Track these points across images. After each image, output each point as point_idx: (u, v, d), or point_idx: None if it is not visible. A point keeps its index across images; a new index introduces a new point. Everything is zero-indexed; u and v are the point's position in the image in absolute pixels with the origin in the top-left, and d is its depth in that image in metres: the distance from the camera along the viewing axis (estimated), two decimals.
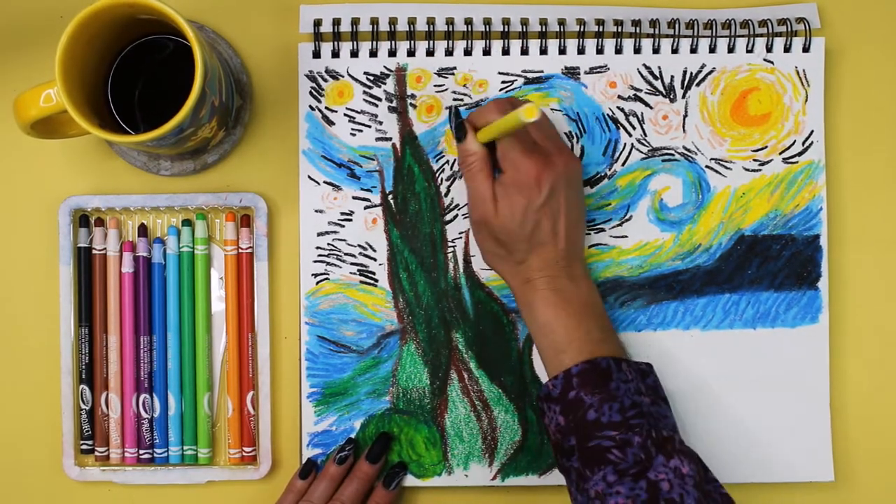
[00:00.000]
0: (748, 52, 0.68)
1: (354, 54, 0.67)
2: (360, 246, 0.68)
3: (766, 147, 0.68)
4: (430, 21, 0.67)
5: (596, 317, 0.62)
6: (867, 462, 0.69)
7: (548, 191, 0.60)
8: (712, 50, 0.68)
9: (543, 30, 0.67)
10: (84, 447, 0.67)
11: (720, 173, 0.68)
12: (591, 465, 0.57)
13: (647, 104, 0.68)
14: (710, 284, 0.68)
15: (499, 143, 0.61)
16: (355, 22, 0.67)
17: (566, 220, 0.62)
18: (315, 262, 0.68)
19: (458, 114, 0.63)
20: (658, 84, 0.68)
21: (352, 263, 0.68)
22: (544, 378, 0.67)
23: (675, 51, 0.68)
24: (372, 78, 0.68)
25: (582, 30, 0.67)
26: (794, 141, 0.68)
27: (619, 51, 0.68)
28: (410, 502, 0.68)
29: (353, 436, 0.67)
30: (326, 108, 0.68)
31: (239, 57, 0.68)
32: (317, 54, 0.68)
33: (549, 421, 0.60)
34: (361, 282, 0.68)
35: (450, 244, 0.68)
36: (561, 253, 0.62)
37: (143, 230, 0.68)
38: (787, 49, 0.68)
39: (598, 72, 0.68)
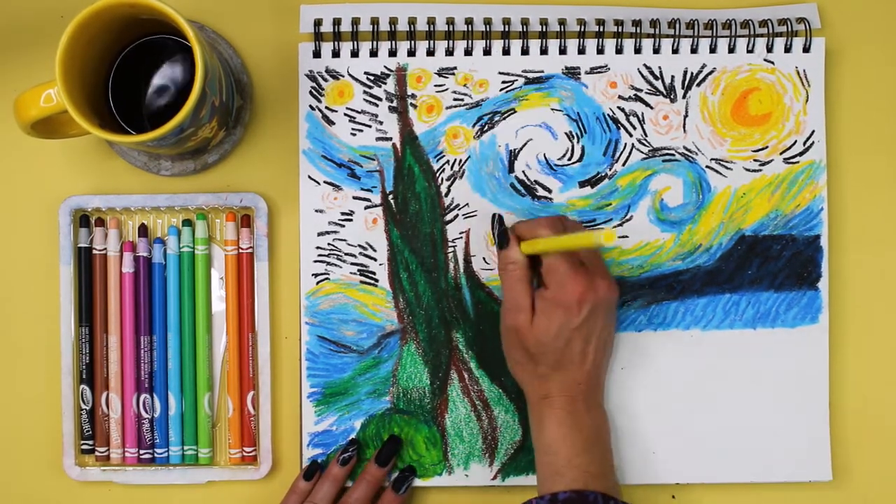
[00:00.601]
0: (749, 52, 0.68)
1: (355, 54, 0.67)
2: (360, 246, 0.68)
3: (766, 147, 0.68)
4: (431, 21, 0.67)
5: (601, 450, 0.62)
6: (865, 462, 0.69)
7: (587, 313, 0.60)
8: (713, 50, 0.68)
9: (544, 30, 0.67)
10: (84, 447, 0.67)
11: (721, 173, 0.68)
12: None
13: (647, 104, 0.68)
14: (711, 284, 0.68)
15: (546, 257, 0.61)
16: (356, 22, 0.67)
17: (597, 345, 0.62)
18: (315, 261, 0.68)
19: (501, 221, 0.64)
20: (658, 84, 0.68)
21: (352, 263, 0.68)
22: None
23: (675, 51, 0.68)
24: (372, 78, 0.68)
25: (582, 30, 0.67)
26: (795, 141, 0.68)
27: (619, 51, 0.68)
28: (411, 502, 0.68)
29: (354, 436, 0.67)
30: (327, 107, 0.68)
31: (239, 57, 0.68)
32: (317, 54, 0.67)
33: None
34: (362, 282, 0.68)
35: (450, 244, 0.68)
36: (585, 376, 0.62)
37: (143, 230, 0.68)
38: (787, 49, 0.68)
39: (599, 72, 0.68)
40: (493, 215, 0.65)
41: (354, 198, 0.68)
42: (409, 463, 0.67)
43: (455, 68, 0.68)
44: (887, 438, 0.69)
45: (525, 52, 0.68)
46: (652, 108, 0.68)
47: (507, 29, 0.68)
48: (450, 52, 0.68)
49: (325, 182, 0.68)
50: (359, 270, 0.68)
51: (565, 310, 0.60)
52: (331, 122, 0.68)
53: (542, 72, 0.68)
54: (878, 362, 0.69)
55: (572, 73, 0.68)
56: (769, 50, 0.68)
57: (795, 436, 0.68)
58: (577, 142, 0.68)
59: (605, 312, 0.62)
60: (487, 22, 0.67)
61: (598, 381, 0.64)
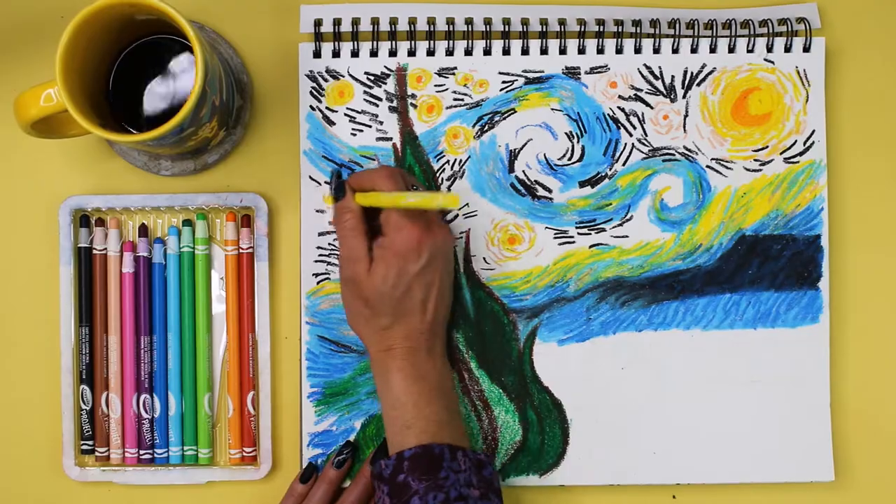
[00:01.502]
0: (749, 51, 0.68)
1: (355, 54, 0.67)
2: None
3: (766, 147, 0.68)
4: (431, 21, 0.67)
5: (446, 398, 0.62)
6: (867, 462, 0.69)
7: (426, 260, 0.61)
8: (713, 50, 0.68)
9: (544, 30, 0.67)
10: (84, 447, 0.67)
11: (721, 173, 0.68)
12: None
13: (647, 104, 0.68)
14: (711, 284, 0.68)
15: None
16: (356, 22, 0.67)
17: (438, 294, 0.62)
18: (316, 261, 0.68)
19: (339, 175, 0.64)
20: (659, 84, 0.68)
21: None
22: (544, 377, 0.68)
23: (675, 51, 0.68)
24: (372, 78, 0.68)
25: (582, 30, 0.67)
26: (795, 141, 0.68)
27: (619, 51, 0.68)
28: None
29: (351, 438, 0.67)
30: (327, 107, 0.68)
31: (239, 57, 0.68)
32: (317, 54, 0.68)
33: (377, 500, 0.60)
34: None
35: None
36: (426, 325, 0.62)
37: (143, 230, 0.68)
38: (787, 49, 0.68)
39: (599, 72, 0.68)
40: (332, 171, 0.65)
41: None
42: None
43: (455, 68, 0.68)
44: (889, 438, 0.69)
45: (525, 52, 0.68)
46: (652, 107, 0.68)
47: (507, 29, 0.68)
48: (450, 52, 0.68)
49: (325, 182, 0.68)
50: None
51: (403, 256, 0.60)
52: (331, 123, 0.68)
53: (543, 72, 0.68)
54: (879, 362, 0.69)
55: (572, 73, 0.68)
56: (769, 50, 0.68)
57: (796, 436, 0.68)
58: (578, 142, 0.68)
59: (444, 260, 0.62)
60: (487, 22, 0.67)
61: (440, 330, 0.64)
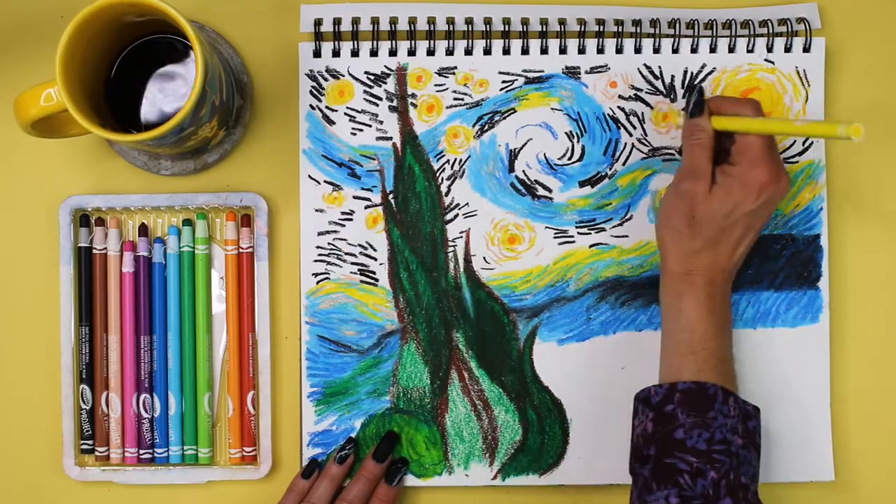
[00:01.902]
0: (749, 52, 0.68)
1: (355, 54, 0.67)
2: (360, 245, 0.68)
3: None
4: (431, 20, 0.67)
5: (729, 338, 0.63)
6: (867, 462, 0.69)
7: (763, 202, 0.60)
8: (713, 50, 0.68)
9: (544, 29, 0.67)
10: (84, 447, 0.67)
11: None
12: (659, 481, 0.57)
13: (647, 104, 0.68)
14: None
15: (741, 135, 0.61)
16: (356, 21, 0.67)
17: (752, 238, 0.62)
18: (315, 261, 0.68)
19: (701, 91, 0.63)
20: (659, 84, 0.68)
21: (352, 263, 0.68)
22: (544, 377, 0.68)
23: (675, 51, 0.68)
24: (372, 77, 0.68)
25: (582, 29, 0.67)
26: (795, 141, 0.68)
27: (619, 50, 0.68)
28: (411, 502, 0.68)
29: (353, 435, 0.67)
30: (327, 107, 0.68)
31: (239, 56, 0.68)
32: (317, 54, 0.68)
33: (638, 424, 0.60)
34: (362, 281, 0.68)
35: (450, 244, 0.68)
36: (732, 264, 0.62)
37: (143, 230, 0.68)
38: (787, 49, 0.68)
39: (599, 71, 0.68)
40: (695, 86, 0.64)
41: (355, 197, 0.68)
42: (410, 463, 0.67)
43: (455, 68, 0.68)
44: (889, 438, 0.69)
45: (525, 51, 0.68)
46: (652, 107, 0.68)
47: (507, 29, 0.68)
48: (450, 52, 0.68)
49: (325, 181, 0.68)
50: (359, 270, 0.68)
51: (746, 191, 0.60)
52: (331, 122, 0.68)
53: (543, 71, 0.68)
54: (879, 361, 0.69)
55: (572, 72, 0.68)
56: (769, 50, 0.68)
57: (797, 435, 0.68)
58: (578, 141, 0.68)
59: (772, 209, 0.62)
60: (487, 22, 0.67)
61: (735, 273, 0.64)
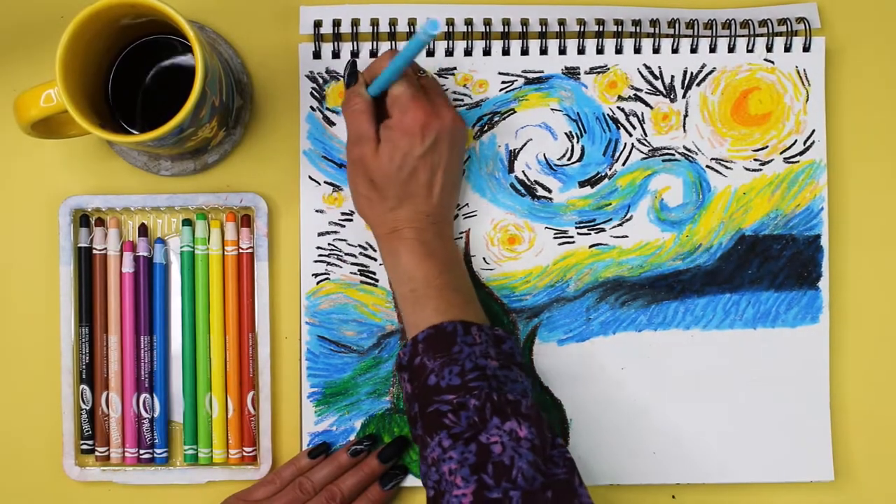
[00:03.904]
0: (748, 51, 0.68)
1: (355, 55, 0.67)
2: (360, 246, 0.68)
3: (766, 147, 0.68)
4: None
5: (457, 273, 0.63)
6: (867, 462, 0.69)
7: (431, 141, 0.61)
8: (713, 50, 0.68)
9: (543, 30, 0.67)
10: (84, 447, 0.67)
11: (721, 173, 0.68)
12: (430, 431, 0.57)
13: (647, 104, 0.68)
14: (711, 284, 0.68)
15: (390, 88, 0.61)
16: (356, 23, 0.67)
17: (443, 177, 0.62)
18: (315, 261, 0.68)
19: (354, 63, 0.64)
20: (658, 84, 0.68)
21: (352, 263, 0.68)
22: (544, 377, 0.68)
23: (675, 51, 0.68)
24: None
25: (582, 30, 0.67)
26: (795, 140, 0.68)
27: (619, 51, 0.68)
28: (411, 502, 0.68)
29: (366, 431, 0.67)
30: (327, 108, 0.68)
31: (239, 57, 0.68)
32: (317, 55, 0.68)
33: (402, 390, 0.61)
34: (362, 282, 0.68)
35: None
36: (432, 209, 0.62)
37: (143, 230, 0.68)
38: (787, 49, 0.68)
39: (599, 72, 0.68)
40: (348, 61, 0.65)
41: None
42: (410, 463, 0.67)
43: (455, 68, 0.68)
44: (889, 438, 0.69)
45: (525, 52, 0.68)
46: (652, 107, 0.68)
47: (506, 29, 0.68)
48: (449, 53, 0.68)
49: (325, 182, 0.68)
50: (359, 270, 0.68)
51: (409, 137, 0.60)
52: (331, 123, 0.68)
53: (542, 72, 0.68)
54: (879, 362, 0.69)
55: (572, 73, 0.68)
56: (769, 49, 0.68)
57: (796, 436, 0.68)
58: (577, 142, 0.68)
59: (451, 143, 0.62)
60: (487, 22, 0.67)
61: (448, 214, 0.64)
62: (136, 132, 0.64)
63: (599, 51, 0.68)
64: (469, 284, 0.64)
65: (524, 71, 0.68)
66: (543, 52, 0.68)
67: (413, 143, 0.61)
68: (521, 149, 0.68)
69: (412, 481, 0.67)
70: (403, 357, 0.60)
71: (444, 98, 0.63)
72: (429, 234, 0.62)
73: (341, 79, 0.67)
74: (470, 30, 0.67)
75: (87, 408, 0.67)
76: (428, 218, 0.62)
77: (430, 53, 0.67)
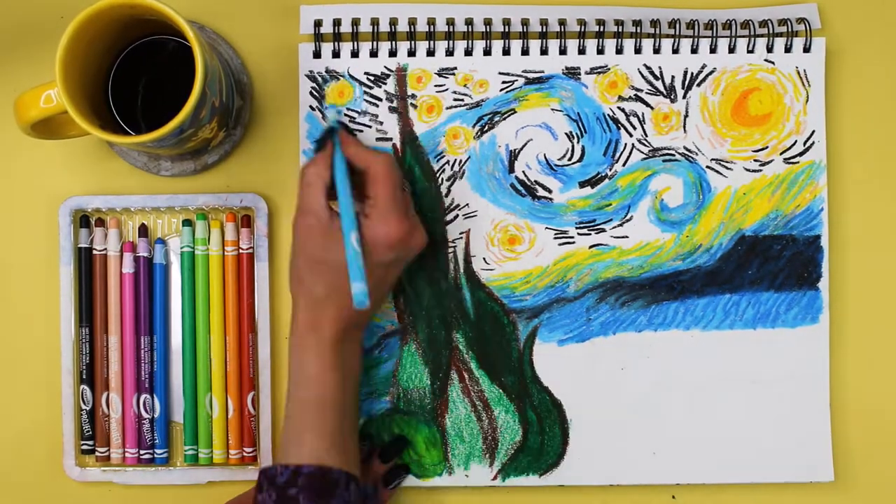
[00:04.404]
0: (749, 52, 0.68)
1: (355, 54, 0.67)
2: None
3: (766, 147, 0.68)
4: (431, 21, 0.67)
5: (355, 391, 0.62)
6: (867, 462, 0.69)
7: (392, 258, 0.60)
8: (713, 50, 0.68)
9: (544, 30, 0.67)
10: (85, 447, 0.67)
11: (721, 173, 0.68)
12: None
13: (647, 104, 0.68)
14: (711, 285, 0.68)
15: (375, 187, 0.59)
16: (356, 22, 0.67)
17: (384, 290, 0.62)
18: None
19: (331, 130, 0.63)
20: (659, 84, 0.68)
21: None
22: (544, 378, 0.68)
23: (675, 51, 0.68)
24: (372, 78, 0.68)
25: (583, 30, 0.67)
26: (795, 141, 0.68)
27: (619, 51, 0.68)
28: (411, 502, 0.68)
29: (366, 431, 0.67)
30: (327, 108, 0.68)
31: (239, 57, 0.68)
32: (317, 54, 0.67)
33: (262, 501, 0.58)
34: None
35: (450, 244, 0.68)
36: (359, 316, 0.61)
37: (143, 230, 0.68)
38: (787, 49, 0.68)
39: (599, 72, 0.68)
40: (330, 127, 0.63)
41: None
42: (410, 463, 0.67)
43: (455, 68, 0.68)
44: (889, 438, 0.69)
45: (525, 52, 0.68)
46: (652, 108, 0.68)
47: (507, 29, 0.68)
48: (450, 53, 0.68)
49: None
50: None
51: (377, 244, 0.59)
52: None
53: (543, 72, 0.68)
54: (879, 362, 0.69)
55: (572, 73, 0.68)
56: (769, 50, 0.68)
57: (796, 436, 0.68)
58: (578, 142, 0.68)
59: (404, 263, 0.62)
60: (487, 22, 0.67)
61: (366, 323, 0.63)
62: (135, 133, 0.64)
63: (600, 51, 0.68)
64: (357, 402, 0.62)
65: (524, 71, 0.68)
66: (544, 52, 0.68)
67: (378, 251, 0.59)
68: (521, 149, 0.68)
69: (413, 481, 0.67)
70: (280, 476, 0.57)
71: (418, 220, 0.62)
72: (345, 342, 0.60)
73: (341, 79, 0.67)
74: (470, 30, 0.67)
75: (88, 408, 0.67)
76: (350, 321, 0.60)
77: (431, 53, 0.67)
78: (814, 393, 0.68)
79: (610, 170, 0.68)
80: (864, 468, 0.69)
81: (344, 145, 0.62)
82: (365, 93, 0.68)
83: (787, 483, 0.68)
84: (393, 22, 0.67)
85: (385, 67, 0.68)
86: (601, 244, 0.68)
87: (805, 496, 0.68)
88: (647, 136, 0.68)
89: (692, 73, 0.68)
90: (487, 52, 0.68)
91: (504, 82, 0.68)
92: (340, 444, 0.59)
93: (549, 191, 0.68)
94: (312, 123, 0.68)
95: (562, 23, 0.68)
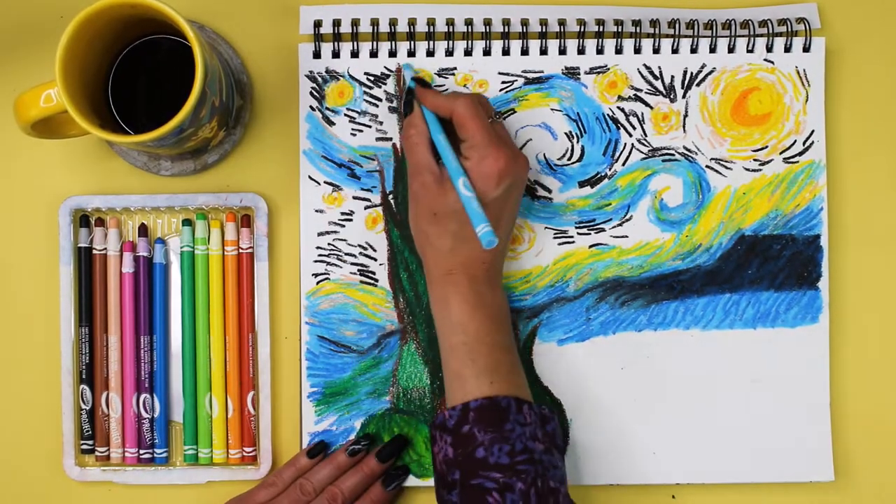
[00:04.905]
0: (748, 52, 0.68)
1: (355, 55, 0.68)
2: (360, 246, 0.68)
3: (766, 147, 0.68)
4: (431, 22, 0.67)
5: (507, 330, 0.62)
6: (867, 462, 0.69)
7: (504, 190, 0.60)
8: (713, 50, 0.68)
9: (543, 30, 0.67)
10: (84, 447, 0.67)
11: (720, 173, 0.68)
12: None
13: (647, 104, 0.68)
14: (711, 284, 0.68)
15: (464, 129, 0.60)
16: (355, 23, 0.67)
17: (505, 224, 0.62)
18: (315, 261, 0.68)
19: (410, 90, 0.64)
20: (658, 84, 0.68)
21: (352, 263, 0.68)
22: (544, 377, 0.68)
23: (675, 51, 0.68)
24: (372, 78, 0.68)
25: (582, 30, 0.67)
26: (795, 141, 0.68)
27: (619, 51, 0.68)
28: (410, 502, 0.68)
29: (366, 431, 0.67)
30: (327, 108, 0.68)
31: (239, 57, 0.68)
32: (317, 55, 0.68)
33: (439, 451, 0.59)
34: (362, 282, 0.68)
35: None
36: (489, 255, 0.61)
37: (143, 230, 0.68)
38: (787, 49, 0.68)
39: (599, 72, 0.68)
40: (407, 89, 0.65)
41: (354, 198, 0.68)
42: (410, 463, 0.67)
43: (455, 69, 0.68)
44: (889, 438, 0.69)
45: (525, 52, 0.68)
46: (652, 108, 0.68)
47: (506, 29, 0.68)
48: (450, 53, 0.68)
49: (325, 182, 0.68)
50: (359, 270, 0.68)
51: (484, 181, 0.59)
52: (331, 123, 0.68)
53: (542, 72, 0.68)
54: (879, 362, 0.69)
55: (572, 73, 0.68)
56: (769, 50, 0.68)
57: (797, 436, 0.68)
58: (577, 142, 0.68)
59: (518, 193, 0.62)
60: (487, 22, 0.67)
61: (500, 265, 0.63)
62: (135, 132, 0.64)
63: (599, 51, 0.68)
64: (513, 341, 0.63)
65: (524, 71, 0.68)
66: (543, 52, 0.68)
67: (487, 187, 0.59)
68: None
69: (413, 481, 0.67)
70: (449, 419, 0.59)
71: (515, 144, 0.63)
72: (482, 283, 0.61)
73: (341, 79, 0.67)
74: (470, 30, 0.67)
75: (88, 408, 0.67)
76: (483, 265, 0.61)
77: (431, 53, 0.67)
78: (814, 392, 0.68)
79: (609, 169, 0.68)
80: (865, 468, 0.69)
81: (423, 100, 0.63)
82: (365, 93, 0.68)
83: (787, 483, 0.68)
84: (393, 22, 0.67)
85: (385, 68, 0.68)
86: (601, 244, 0.68)
87: (805, 496, 0.68)
88: (646, 135, 0.68)
89: (692, 73, 0.68)
90: (487, 53, 0.68)
91: (504, 82, 0.68)
92: (503, 376, 0.59)
93: (549, 190, 0.68)
94: (312, 123, 0.68)
95: (561, 23, 0.68)
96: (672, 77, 0.68)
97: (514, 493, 0.56)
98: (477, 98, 0.62)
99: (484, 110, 0.61)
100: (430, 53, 0.68)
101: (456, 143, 0.61)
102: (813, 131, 0.68)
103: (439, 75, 0.68)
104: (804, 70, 0.68)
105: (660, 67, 0.68)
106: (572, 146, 0.68)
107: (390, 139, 0.68)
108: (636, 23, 0.67)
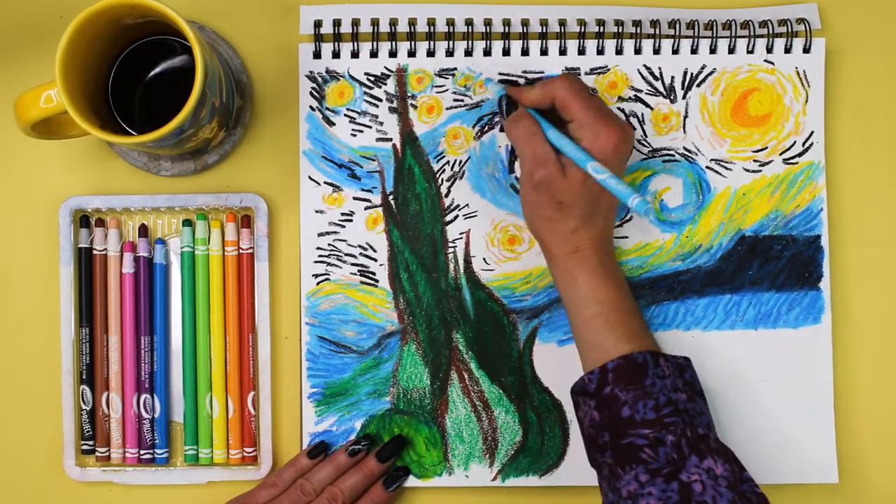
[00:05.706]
0: (749, 52, 0.68)
1: (355, 55, 0.68)
2: (360, 246, 0.68)
3: (766, 148, 0.68)
4: (431, 22, 0.67)
5: (631, 295, 0.63)
6: (871, 463, 0.68)
7: (621, 159, 0.61)
8: (713, 51, 0.68)
9: (544, 30, 0.67)
10: (85, 447, 0.67)
11: (720, 174, 0.68)
12: (623, 463, 0.57)
13: (647, 105, 0.68)
14: (711, 285, 0.68)
15: (569, 110, 0.61)
16: (356, 23, 0.67)
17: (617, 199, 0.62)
18: (315, 262, 0.68)
19: (501, 99, 0.65)
20: (658, 85, 0.68)
21: (352, 264, 0.68)
22: (545, 378, 0.67)
23: (675, 51, 0.68)
24: (372, 78, 0.68)
25: (582, 30, 0.67)
26: (795, 141, 0.68)
27: (619, 51, 0.68)
28: (410, 502, 0.68)
29: (370, 432, 0.67)
30: (327, 108, 0.68)
31: (239, 57, 0.68)
32: (317, 55, 0.68)
33: (584, 415, 0.60)
34: (362, 282, 0.68)
35: (450, 245, 0.68)
36: (608, 229, 0.63)
37: (143, 230, 0.68)
38: (787, 50, 0.68)
39: (599, 72, 0.68)
40: (499, 98, 0.66)
41: (355, 198, 0.68)
42: (410, 463, 0.67)
43: (455, 69, 0.68)
44: (893, 439, 0.69)
45: (525, 52, 0.68)
46: (652, 108, 0.68)
47: (507, 30, 0.68)
48: (450, 53, 0.68)
49: (325, 182, 0.68)
50: (359, 271, 0.68)
51: (604, 159, 0.60)
52: (331, 123, 0.68)
53: (543, 72, 0.68)
54: (882, 362, 0.69)
55: (572, 73, 0.68)
56: (769, 50, 0.68)
57: (800, 437, 0.67)
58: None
59: (629, 156, 0.63)
60: (487, 23, 0.67)
61: (612, 235, 0.65)
62: (135, 133, 0.64)
63: (600, 51, 0.68)
64: (635, 303, 0.64)
65: (524, 71, 0.68)
66: (544, 52, 0.68)
67: (611, 162, 0.60)
68: None
69: (413, 481, 0.67)
70: (590, 384, 0.60)
71: (614, 113, 0.63)
72: (605, 255, 0.62)
73: (341, 79, 0.67)
74: (470, 30, 0.67)
75: (88, 408, 0.67)
76: (604, 238, 0.62)
77: (431, 54, 0.67)
78: (818, 394, 0.68)
79: None
80: (869, 469, 0.68)
81: (520, 99, 0.64)
82: (365, 93, 0.68)
83: (790, 484, 0.68)
84: (393, 22, 0.67)
85: (385, 68, 0.68)
86: None
87: (809, 498, 0.68)
88: (646, 136, 0.68)
89: (692, 74, 0.68)
90: (487, 53, 0.68)
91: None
92: (634, 337, 0.60)
93: None
94: (312, 123, 0.68)
95: (562, 23, 0.68)
96: (672, 78, 0.68)
97: (665, 445, 0.56)
98: (571, 77, 0.62)
99: (584, 90, 0.62)
100: (431, 54, 0.68)
101: (561, 129, 0.62)
102: (813, 132, 0.68)
103: (439, 75, 0.68)
104: (804, 71, 0.68)
105: (660, 68, 0.68)
106: None
107: (390, 139, 0.68)
108: (636, 23, 0.67)
